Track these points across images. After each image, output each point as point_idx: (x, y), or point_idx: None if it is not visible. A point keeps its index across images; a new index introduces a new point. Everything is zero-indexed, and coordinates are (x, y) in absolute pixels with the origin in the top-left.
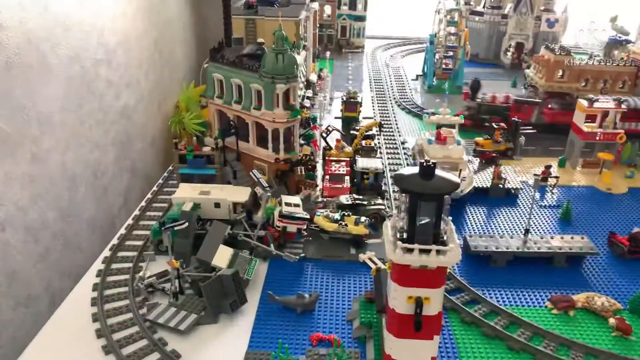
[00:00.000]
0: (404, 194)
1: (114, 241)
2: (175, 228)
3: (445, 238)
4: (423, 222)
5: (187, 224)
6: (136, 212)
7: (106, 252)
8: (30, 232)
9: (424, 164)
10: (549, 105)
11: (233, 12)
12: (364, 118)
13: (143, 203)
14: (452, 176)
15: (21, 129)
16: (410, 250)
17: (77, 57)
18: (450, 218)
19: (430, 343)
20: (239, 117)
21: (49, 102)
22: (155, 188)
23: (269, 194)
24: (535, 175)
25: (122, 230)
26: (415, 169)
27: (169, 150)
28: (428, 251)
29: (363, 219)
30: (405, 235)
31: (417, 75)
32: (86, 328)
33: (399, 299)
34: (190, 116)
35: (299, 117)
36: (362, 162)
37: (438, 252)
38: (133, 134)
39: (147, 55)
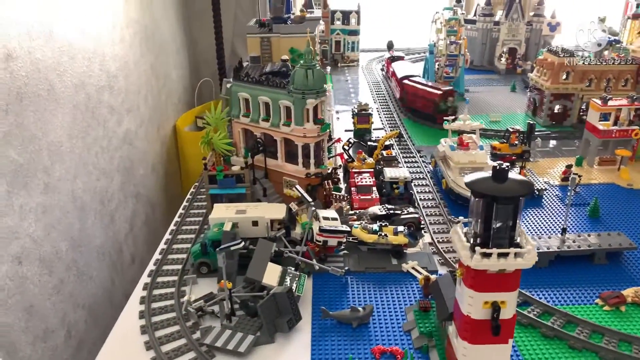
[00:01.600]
0: (477, 199)
1: (151, 267)
2: (232, 248)
3: (518, 240)
4: (496, 225)
5: (242, 243)
6: (167, 236)
7: (145, 279)
8: (45, 264)
9: (497, 167)
10: None
11: (247, 31)
12: (374, 129)
13: (173, 226)
14: (525, 178)
15: (33, 159)
16: (488, 255)
17: (82, 84)
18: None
19: (505, 347)
20: (266, 134)
21: (58, 130)
22: (181, 211)
23: (313, 207)
24: (574, 174)
25: (157, 255)
26: (485, 173)
27: (169, 174)
28: (505, 255)
29: (401, 228)
30: (479, 240)
31: None
32: (141, 357)
33: (475, 305)
34: (219, 136)
35: (329, 130)
36: (390, 172)
37: (516, 254)
38: (135, 160)
39: (144, 80)
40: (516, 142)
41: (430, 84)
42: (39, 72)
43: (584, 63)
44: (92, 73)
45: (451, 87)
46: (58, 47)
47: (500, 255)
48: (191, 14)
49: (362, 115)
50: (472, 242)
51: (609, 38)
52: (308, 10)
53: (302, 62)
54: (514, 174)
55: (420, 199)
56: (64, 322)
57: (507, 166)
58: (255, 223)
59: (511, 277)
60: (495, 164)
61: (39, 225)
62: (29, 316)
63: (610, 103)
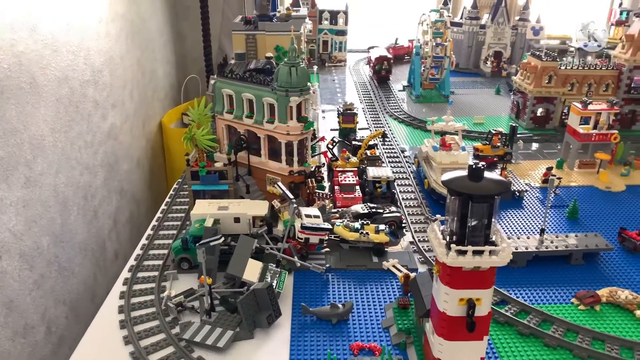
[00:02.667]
0: (453, 197)
1: (132, 262)
2: (212, 243)
3: (493, 239)
4: (472, 224)
5: (222, 238)
6: (149, 231)
7: (125, 274)
8: (25, 259)
9: (473, 166)
10: None
11: (233, 27)
12: (359, 129)
13: (155, 222)
14: (501, 177)
15: (14, 152)
16: (463, 253)
17: (66, 78)
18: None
19: (480, 343)
20: (250, 131)
21: (40, 124)
22: (164, 207)
23: (295, 204)
24: (552, 175)
25: (139, 251)
26: (462, 173)
27: (154, 171)
28: (481, 252)
29: (382, 227)
30: (455, 238)
31: (404, 86)
32: (119, 351)
33: (451, 301)
34: (202, 132)
35: (312, 129)
36: (373, 171)
37: (491, 252)
38: (120, 155)
39: (131, 75)
40: (498, 144)
41: (379, 51)
42: (21, 64)
43: (566, 67)
44: (76, 67)
45: (387, 55)
46: (41, 40)
47: (475, 252)
48: (179, 10)
49: (347, 115)
50: (448, 239)
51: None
52: (295, 8)
53: (286, 59)
54: (490, 174)
55: (403, 199)
56: (45, 318)
57: (483, 165)
58: (237, 220)
59: (486, 275)
60: (471, 162)
61: (19, 219)
62: (8, 311)
63: (590, 107)
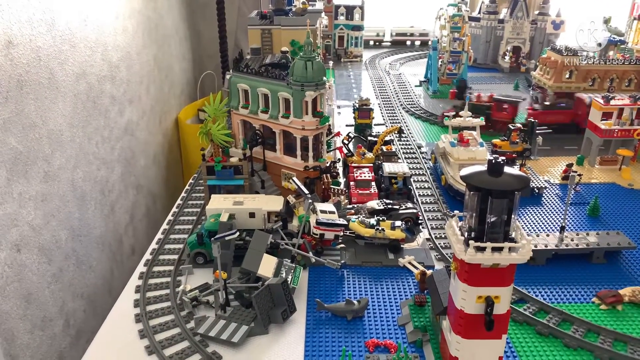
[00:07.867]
0: (472, 192)
1: (148, 256)
2: (227, 238)
3: (513, 235)
4: (491, 220)
5: (237, 233)
6: (165, 226)
7: (141, 268)
8: (44, 253)
9: (493, 160)
10: (533, 105)
11: (249, 22)
12: (375, 125)
13: (170, 217)
14: (521, 173)
15: (33, 147)
16: (482, 249)
17: (84, 73)
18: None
19: (498, 342)
20: (265, 126)
21: (58, 119)
22: (179, 202)
23: (310, 200)
24: (572, 172)
25: (154, 245)
26: (481, 167)
27: (171, 167)
28: (500, 249)
29: (398, 223)
30: (473, 234)
31: (421, 81)
32: (134, 345)
33: (469, 299)
34: (218, 127)
35: (328, 123)
36: (389, 167)
37: (510, 249)
38: (137, 151)
39: (147, 71)
40: (517, 139)
41: None
42: (39, 60)
43: (587, 63)
44: (94, 62)
45: None
46: (60, 35)
47: (494, 249)
48: (195, 6)
49: (362, 110)
50: (466, 236)
51: (614, 38)
52: (310, 2)
53: (301, 54)
54: (510, 169)
55: (419, 195)
56: (63, 311)
57: (503, 160)
58: (252, 215)
59: (505, 272)
60: (491, 157)
61: (38, 213)
62: (27, 304)
63: (612, 102)
